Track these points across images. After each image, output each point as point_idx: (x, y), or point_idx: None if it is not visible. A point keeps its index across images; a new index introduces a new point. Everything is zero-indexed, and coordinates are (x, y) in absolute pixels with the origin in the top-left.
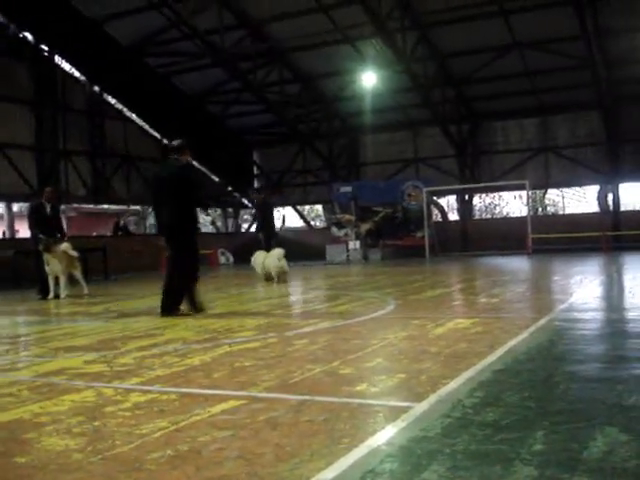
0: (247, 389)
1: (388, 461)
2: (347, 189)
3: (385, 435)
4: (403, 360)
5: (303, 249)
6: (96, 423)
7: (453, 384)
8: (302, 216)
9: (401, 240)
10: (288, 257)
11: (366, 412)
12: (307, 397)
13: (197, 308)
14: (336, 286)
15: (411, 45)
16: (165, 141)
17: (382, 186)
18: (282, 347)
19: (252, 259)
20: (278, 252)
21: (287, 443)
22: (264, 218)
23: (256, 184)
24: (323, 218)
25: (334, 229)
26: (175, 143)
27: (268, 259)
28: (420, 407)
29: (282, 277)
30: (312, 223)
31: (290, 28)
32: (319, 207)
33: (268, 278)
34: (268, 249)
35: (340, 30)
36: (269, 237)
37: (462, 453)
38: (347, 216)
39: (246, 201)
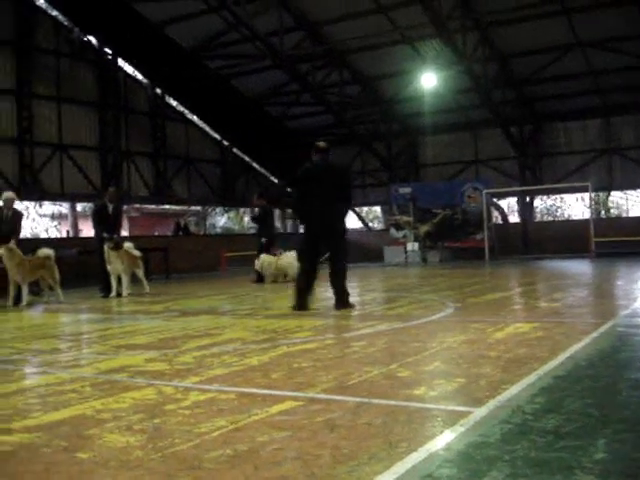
0: (305, 390)
1: (446, 466)
2: (406, 190)
3: (443, 440)
4: (462, 364)
5: (361, 251)
6: (156, 421)
7: (513, 389)
8: (360, 217)
9: (460, 242)
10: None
11: (424, 416)
12: (365, 399)
13: (298, 307)
14: (394, 288)
15: (472, 45)
16: (225, 142)
17: (441, 188)
18: (340, 349)
19: (257, 262)
20: (293, 254)
21: (345, 445)
22: (265, 222)
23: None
24: (381, 220)
25: (392, 231)
26: (323, 144)
27: (283, 260)
28: (479, 412)
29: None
30: (370, 225)
31: (349, 29)
32: (377, 209)
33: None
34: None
35: (399, 31)
36: (270, 241)
37: (522, 460)
38: (405, 218)
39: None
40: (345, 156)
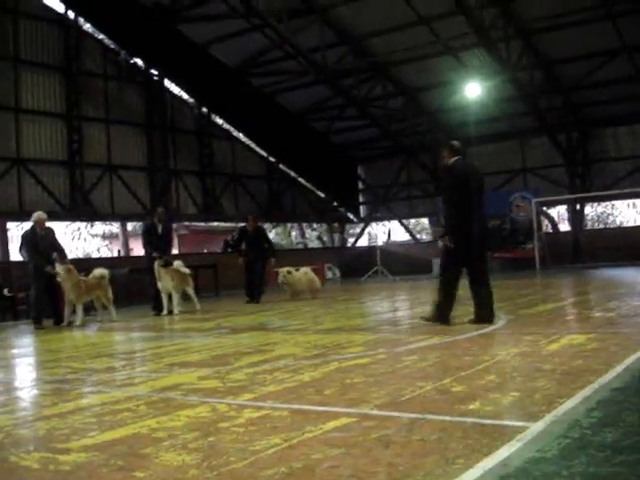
0: (358, 406)
1: None
2: None
3: (500, 456)
4: (516, 378)
5: (409, 263)
6: (211, 439)
7: (569, 403)
8: (408, 230)
9: (510, 252)
10: (394, 272)
11: (480, 432)
12: (419, 415)
13: (440, 319)
14: None
15: (516, 53)
16: (271, 158)
17: (489, 198)
18: (391, 363)
19: (282, 277)
20: (307, 269)
21: (400, 462)
22: (258, 243)
23: (361, 199)
24: (429, 231)
25: (440, 242)
26: (458, 143)
27: (300, 275)
28: (536, 427)
29: (315, 293)
30: (418, 237)
31: (392, 42)
32: (425, 220)
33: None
34: (263, 273)
35: (442, 42)
36: (264, 262)
37: (580, 475)
38: None
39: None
40: (391, 168)
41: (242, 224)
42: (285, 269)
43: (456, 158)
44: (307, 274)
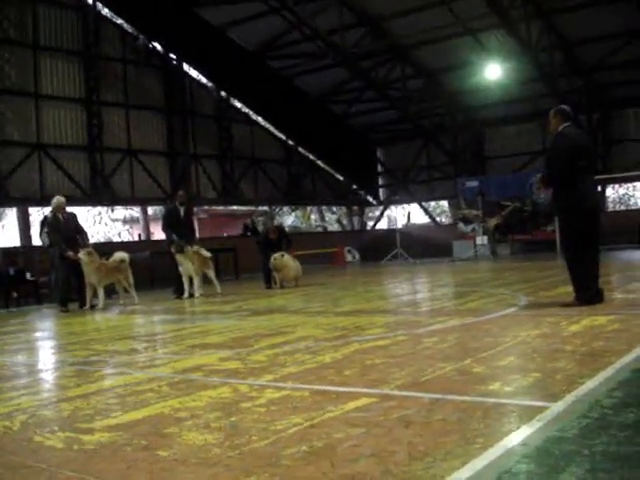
0: (378, 387)
1: (524, 462)
2: (473, 184)
3: (520, 435)
4: (537, 358)
5: (429, 246)
6: (233, 418)
7: (590, 384)
8: (427, 212)
9: (530, 234)
10: (414, 254)
11: (500, 412)
12: (439, 395)
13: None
14: (464, 283)
15: (536, 34)
16: (290, 142)
17: (510, 180)
18: (412, 345)
19: (273, 262)
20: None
21: (420, 442)
22: (280, 242)
23: (380, 182)
24: (449, 214)
25: (461, 225)
26: (567, 108)
27: (290, 261)
28: (556, 407)
29: (299, 280)
30: (438, 219)
31: (410, 24)
32: (445, 203)
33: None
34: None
35: (461, 23)
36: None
37: (601, 455)
38: (474, 211)
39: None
40: (410, 151)
41: (262, 225)
42: (277, 254)
43: (565, 124)
44: (295, 261)
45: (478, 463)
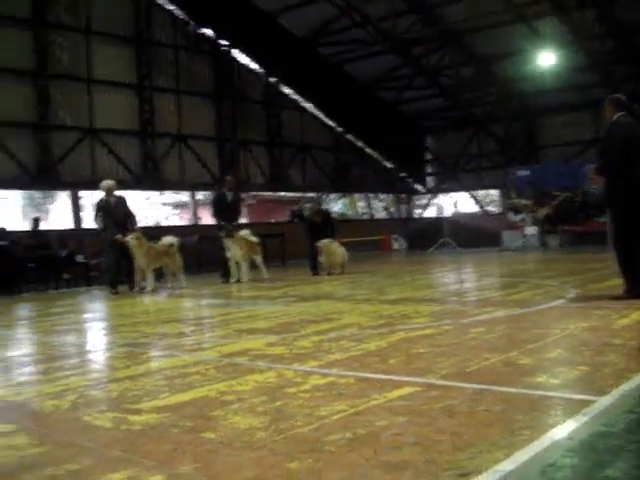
0: (423, 376)
1: (569, 456)
2: (524, 173)
3: (566, 429)
4: (585, 352)
5: (477, 235)
6: (278, 403)
7: (638, 378)
8: (477, 201)
9: (581, 226)
10: (461, 243)
11: (546, 404)
12: (484, 386)
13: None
14: (512, 273)
15: (590, 21)
16: (339, 129)
17: (561, 169)
18: (458, 335)
19: (320, 248)
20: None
21: (464, 432)
22: (326, 229)
23: (428, 170)
24: (498, 203)
25: (510, 214)
26: (623, 97)
27: (337, 247)
28: (603, 401)
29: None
30: (487, 209)
31: (462, 10)
32: (494, 192)
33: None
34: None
35: (514, 9)
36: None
37: None
38: (523, 201)
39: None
40: (460, 139)
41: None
42: (324, 240)
43: (620, 114)
44: (341, 247)
45: (522, 455)
